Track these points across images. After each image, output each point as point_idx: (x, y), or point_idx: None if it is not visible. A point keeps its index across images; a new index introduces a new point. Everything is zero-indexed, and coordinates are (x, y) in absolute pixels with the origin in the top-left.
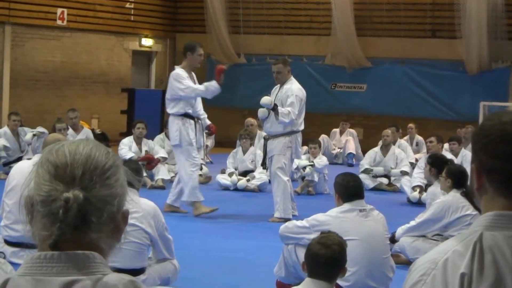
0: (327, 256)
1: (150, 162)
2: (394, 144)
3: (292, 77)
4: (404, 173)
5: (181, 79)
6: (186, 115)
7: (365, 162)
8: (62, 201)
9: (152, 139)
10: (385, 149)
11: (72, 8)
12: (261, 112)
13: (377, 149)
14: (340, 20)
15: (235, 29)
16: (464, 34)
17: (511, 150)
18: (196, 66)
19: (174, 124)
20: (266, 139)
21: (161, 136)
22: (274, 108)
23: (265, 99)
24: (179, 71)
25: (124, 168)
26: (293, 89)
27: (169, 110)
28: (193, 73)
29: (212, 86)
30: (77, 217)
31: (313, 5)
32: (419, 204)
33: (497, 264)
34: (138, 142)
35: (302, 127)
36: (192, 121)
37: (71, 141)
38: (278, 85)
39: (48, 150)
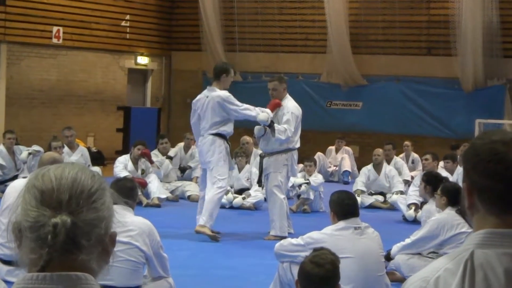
0: (320, 275)
1: (141, 185)
2: (389, 162)
3: (288, 95)
4: (399, 193)
5: (234, 100)
6: (225, 137)
7: (360, 180)
8: (50, 227)
9: None
10: (377, 168)
11: (68, 27)
12: (257, 129)
13: (370, 167)
14: (336, 38)
15: (230, 47)
16: (460, 52)
17: (501, 169)
18: (226, 88)
19: (217, 144)
20: (262, 157)
21: (155, 152)
22: (271, 125)
23: (262, 116)
24: (226, 93)
25: (110, 191)
26: (289, 106)
27: (213, 130)
28: None
29: (265, 115)
30: (66, 242)
31: (309, 23)
32: (415, 222)
33: (488, 282)
34: (135, 161)
35: (298, 145)
36: (227, 145)
37: (57, 165)
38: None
39: (34, 176)
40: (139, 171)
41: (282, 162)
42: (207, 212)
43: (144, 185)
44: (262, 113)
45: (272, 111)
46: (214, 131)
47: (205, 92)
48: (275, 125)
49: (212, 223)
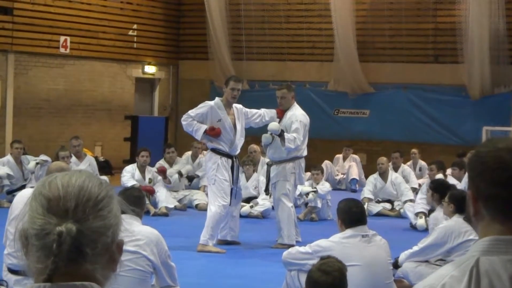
0: (328, 283)
1: (150, 193)
2: (397, 170)
3: (295, 103)
4: (409, 201)
5: (192, 111)
6: (224, 154)
7: (367, 189)
8: (56, 235)
9: (154, 166)
10: (383, 176)
11: (75, 36)
12: (265, 138)
13: (376, 175)
14: (343, 46)
15: (237, 56)
16: (466, 59)
17: (507, 177)
18: (230, 100)
19: (212, 161)
20: (269, 165)
21: (161, 162)
22: (281, 134)
23: (273, 125)
24: (215, 101)
25: (117, 198)
26: (297, 115)
27: (208, 145)
28: (236, 107)
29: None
30: (71, 250)
31: (316, 31)
32: (427, 231)
33: None
34: (142, 170)
35: (305, 153)
36: (227, 160)
37: (64, 173)
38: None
39: (42, 183)
40: (147, 180)
41: (290, 170)
42: (207, 229)
43: (152, 192)
44: (273, 122)
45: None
46: (209, 146)
47: None
48: (285, 134)
49: (214, 241)
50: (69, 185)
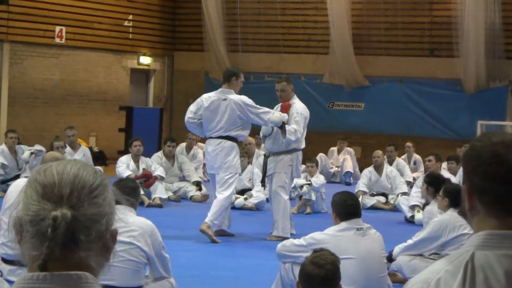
0: (321, 276)
1: (148, 178)
2: (391, 163)
3: (295, 96)
4: (403, 194)
5: (255, 105)
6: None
7: (361, 182)
8: (50, 220)
9: (150, 157)
10: (378, 169)
11: (71, 26)
12: (265, 128)
13: (371, 168)
14: (338, 39)
15: (233, 47)
16: (462, 53)
17: (502, 171)
18: (237, 92)
19: (234, 151)
20: (266, 157)
21: (159, 154)
22: (282, 126)
23: (275, 117)
24: (246, 97)
25: (112, 188)
26: (297, 107)
27: (226, 133)
28: None
29: (278, 116)
30: (66, 236)
31: (311, 24)
32: (417, 223)
33: (488, 283)
34: (136, 160)
35: (303, 146)
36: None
37: (59, 161)
38: (280, 103)
39: (36, 171)
40: (141, 170)
41: (288, 162)
42: (215, 214)
43: (150, 175)
44: (274, 115)
45: (287, 113)
46: (226, 133)
47: (218, 94)
48: (286, 126)
49: (215, 228)
50: (64, 172)
